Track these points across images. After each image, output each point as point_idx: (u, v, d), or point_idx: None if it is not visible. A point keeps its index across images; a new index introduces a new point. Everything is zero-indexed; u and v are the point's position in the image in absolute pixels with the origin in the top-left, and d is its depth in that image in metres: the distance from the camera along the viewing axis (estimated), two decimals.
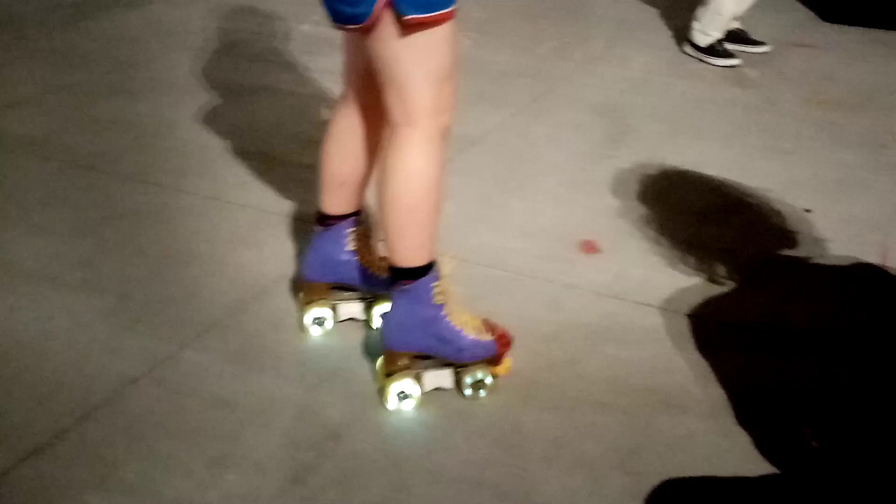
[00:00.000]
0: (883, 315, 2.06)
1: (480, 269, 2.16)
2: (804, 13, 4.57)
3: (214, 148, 2.84)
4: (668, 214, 2.46)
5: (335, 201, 1.86)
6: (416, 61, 1.54)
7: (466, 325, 1.73)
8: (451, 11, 1.51)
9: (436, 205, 1.64)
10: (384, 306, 1.86)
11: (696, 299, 2.07)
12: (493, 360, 1.76)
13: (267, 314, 2.01)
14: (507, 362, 1.81)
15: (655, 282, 2.14)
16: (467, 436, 1.65)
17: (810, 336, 1.96)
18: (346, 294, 1.94)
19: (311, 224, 1.94)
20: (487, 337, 1.76)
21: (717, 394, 1.76)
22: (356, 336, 1.93)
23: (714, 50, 3.74)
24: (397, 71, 1.55)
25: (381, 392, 1.73)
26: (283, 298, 2.06)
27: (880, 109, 3.30)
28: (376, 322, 1.93)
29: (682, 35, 3.97)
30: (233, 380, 1.79)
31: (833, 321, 2.01)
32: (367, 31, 1.51)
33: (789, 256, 2.29)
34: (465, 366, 1.75)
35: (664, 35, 4.16)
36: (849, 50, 3.98)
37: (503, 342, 1.78)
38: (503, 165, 2.76)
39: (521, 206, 2.51)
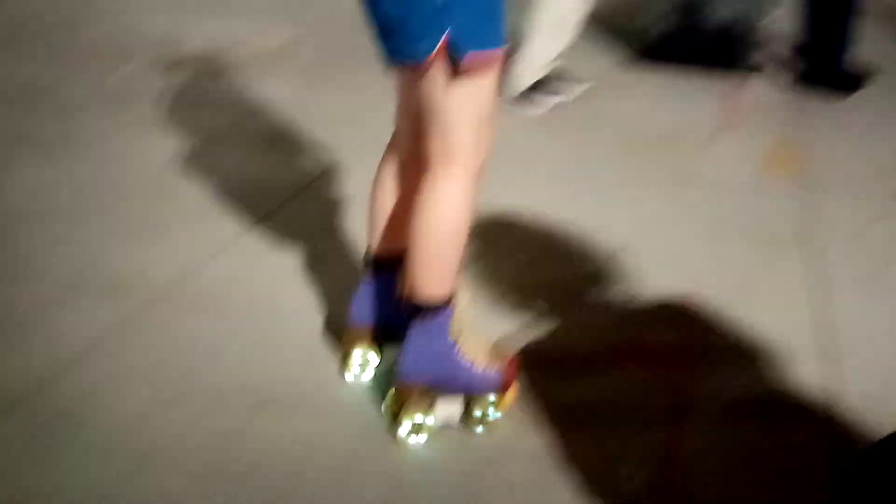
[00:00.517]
0: (691, 339, 2.21)
1: None
2: (618, 55, 4.83)
3: None
4: (489, 260, 2.52)
5: (384, 244, 1.91)
6: (463, 102, 1.64)
7: (477, 357, 1.81)
8: (500, 52, 1.63)
9: (463, 241, 1.75)
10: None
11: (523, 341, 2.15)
12: (501, 389, 1.84)
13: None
14: (514, 391, 1.88)
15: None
16: None
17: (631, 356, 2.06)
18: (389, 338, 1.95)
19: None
20: (494, 367, 1.84)
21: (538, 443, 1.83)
22: None
23: (532, 92, 3.89)
24: (444, 110, 1.64)
25: (392, 424, 1.80)
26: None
27: (688, 149, 3.52)
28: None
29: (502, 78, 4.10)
30: None
31: (649, 348, 2.14)
32: (424, 70, 1.60)
33: (596, 293, 2.41)
34: (473, 398, 1.81)
35: None
36: (657, 90, 4.24)
37: (510, 371, 1.88)
38: (334, 211, 2.77)
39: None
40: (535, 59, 3.84)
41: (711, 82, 4.37)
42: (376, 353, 1.96)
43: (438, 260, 1.72)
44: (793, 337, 2.22)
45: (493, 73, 1.64)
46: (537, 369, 2.04)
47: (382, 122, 3.35)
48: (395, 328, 1.88)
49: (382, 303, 1.93)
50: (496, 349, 1.88)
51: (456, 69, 1.58)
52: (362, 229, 2.62)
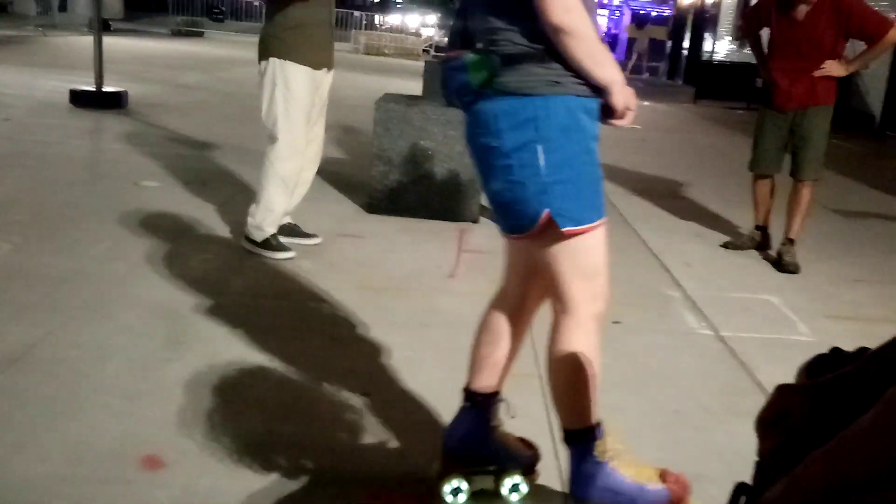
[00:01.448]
0: None
1: None
2: (350, 206, 5.01)
3: None
4: (238, 415, 2.42)
5: (483, 380, 2.15)
6: (570, 262, 1.91)
7: (637, 476, 1.99)
8: (600, 222, 1.90)
9: (590, 379, 1.96)
10: (514, 478, 2.03)
11: (268, 503, 2.04)
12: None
13: None
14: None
15: (225, 490, 2.07)
16: None
17: None
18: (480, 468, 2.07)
19: None
20: (659, 485, 2.01)
21: None
22: None
23: (269, 244, 3.90)
24: (555, 270, 1.93)
25: None
26: None
27: (420, 291, 3.67)
28: (504, 492, 2.03)
29: (239, 230, 4.09)
30: None
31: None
32: (531, 238, 1.90)
33: (348, 444, 2.37)
34: None
35: (222, 231, 4.25)
36: (390, 238, 4.42)
37: (680, 486, 2.03)
38: (52, 383, 2.53)
39: (73, 428, 2.30)
40: (277, 208, 3.88)
41: (438, 230, 4.65)
42: (467, 481, 2.04)
43: (569, 396, 2.00)
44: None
45: (596, 236, 1.90)
46: None
47: (108, 278, 3.19)
48: (486, 456, 2.11)
49: (476, 433, 2.14)
50: (659, 469, 2.04)
51: (559, 237, 1.87)
52: (91, 406, 2.46)
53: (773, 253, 4.72)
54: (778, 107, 4.61)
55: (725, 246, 4.88)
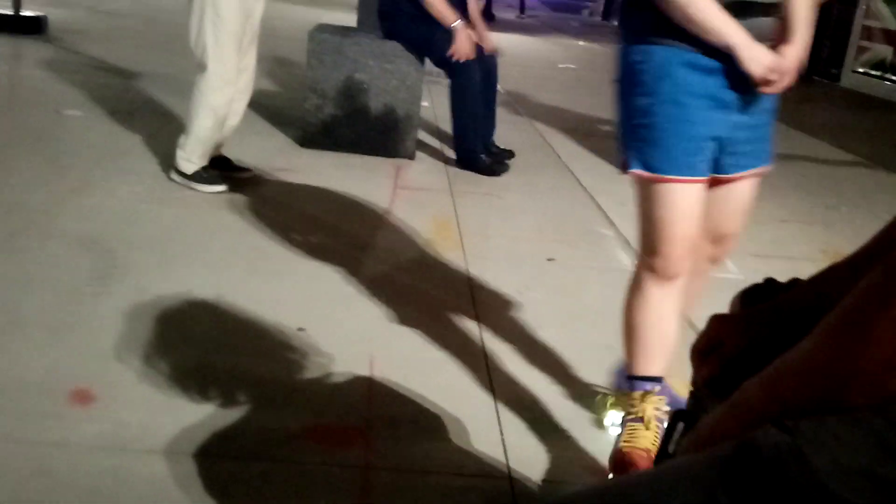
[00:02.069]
0: (372, 414, 2.22)
1: None
2: (283, 139, 4.90)
3: None
4: (168, 348, 2.38)
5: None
6: (640, 207, 2.01)
7: (627, 446, 2.04)
8: (677, 178, 1.90)
9: (633, 331, 2.07)
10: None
11: (202, 435, 2.01)
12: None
13: None
14: None
15: (158, 424, 2.04)
16: None
17: (311, 437, 2.03)
18: None
19: None
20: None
21: None
22: None
23: (200, 176, 3.80)
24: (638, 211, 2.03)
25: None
26: None
27: (355, 227, 3.64)
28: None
29: (167, 162, 3.98)
30: None
31: (331, 428, 2.11)
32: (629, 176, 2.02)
33: (282, 377, 2.36)
34: None
35: (150, 162, 4.13)
36: (324, 173, 4.35)
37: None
38: None
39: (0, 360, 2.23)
40: (206, 139, 3.78)
41: (373, 165, 4.60)
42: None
43: (623, 338, 2.12)
44: (470, 402, 2.34)
45: (662, 190, 1.92)
46: (215, 456, 1.93)
47: (30, 208, 3.05)
48: None
49: None
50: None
51: (635, 181, 1.98)
52: (14, 339, 2.37)
53: None
54: None
55: None
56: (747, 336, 1.06)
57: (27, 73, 6.20)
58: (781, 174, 5.74)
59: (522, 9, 23.43)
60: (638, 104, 1.94)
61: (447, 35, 4.55)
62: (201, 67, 3.70)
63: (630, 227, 4.02)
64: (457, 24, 4.54)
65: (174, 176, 3.84)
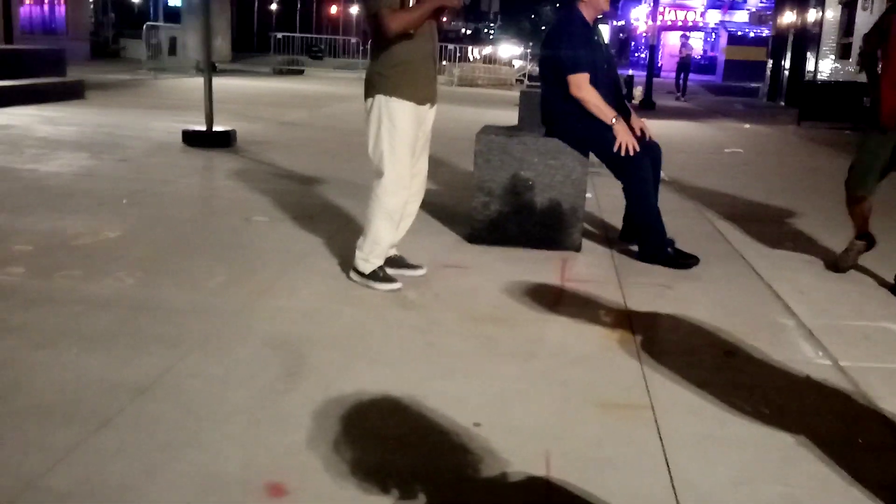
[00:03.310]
0: None
1: None
2: (452, 237, 5.06)
3: None
4: (353, 444, 2.48)
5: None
6: None
7: None
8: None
9: None
10: None
11: None
12: None
13: None
14: None
15: None
16: None
17: None
18: None
19: None
20: None
21: None
22: None
23: (377, 276, 3.98)
24: None
25: None
26: None
27: (525, 321, 3.68)
28: None
29: (346, 262, 4.19)
30: None
31: None
32: None
33: (460, 474, 2.39)
34: None
35: (330, 263, 4.37)
36: (493, 268, 4.45)
37: None
38: (178, 412, 2.64)
39: (201, 456, 2.39)
40: (383, 241, 3.97)
41: (540, 259, 4.65)
42: None
43: None
44: (645, 498, 2.29)
45: None
46: None
47: (225, 310, 3.31)
48: None
49: None
50: None
51: None
52: (216, 434, 2.55)
53: (890, 279, 4.54)
54: (884, 125, 4.50)
55: (834, 266, 4.74)
56: None
57: (219, 183, 6.75)
58: None
59: (681, 91, 23.32)
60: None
61: (609, 132, 4.62)
62: (378, 173, 3.91)
63: (812, 317, 3.86)
64: (613, 119, 4.62)
65: (353, 276, 4.04)
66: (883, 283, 4.57)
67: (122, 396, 2.71)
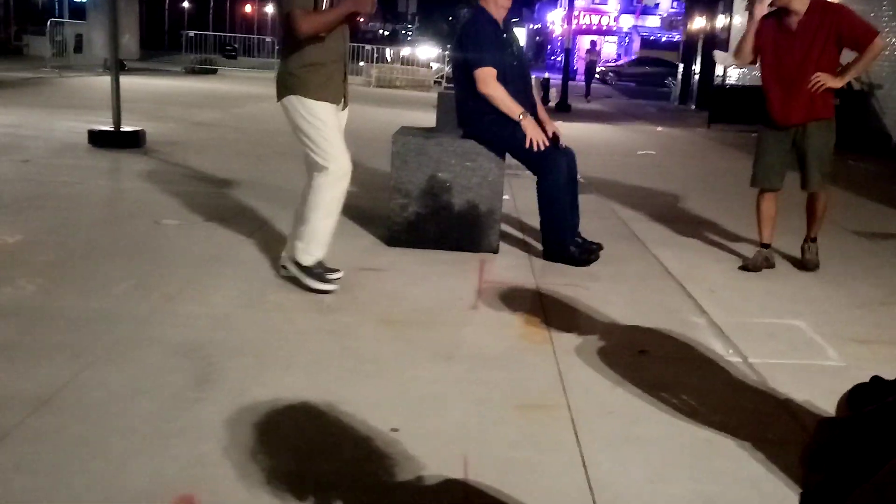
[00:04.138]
0: None
1: None
2: (369, 239, 5.02)
3: None
4: (267, 453, 2.41)
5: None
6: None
7: None
8: None
9: None
10: None
11: None
12: None
13: None
14: None
15: None
16: None
17: None
18: None
19: None
20: None
21: None
22: None
23: (314, 271, 3.90)
24: None
25: None
26: None
27: (443, 323, 3.66)
28: None
29: (260, 266, 4.10)
30: None
31: None
32: None
33: (379, 480, 2.35)
34: None
35: (242, 267, 4.27)
36: (411, 271, 4.42)
37: None
38: (81, 425, 2.53)
39: (104, 469, 2.29)
40: (319, 234, 3.90)
41: (458, 261, 4.65)
42: None
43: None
44: (563, 499, 2.29)
45: None
46: None
47: (132, 317, 3.19)
48: None
49: None
50: None
51: None
52: (122, 446, 2.45)
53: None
54: (778, 125, 4.70)
55: (744, 268, 4.88)
56: (857, 439, 1.02)
57: (127, 185, 6.54)
58: (877, 254, 5.58)
59: (588, 93, 23.91)
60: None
61: (518, 129, 4.65)
62: (317, 168, 3.84)
63: (723, 315, 3.95)
64: (521, 115, 4.66)
65: (290, 267, 3.94)
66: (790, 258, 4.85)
67: (21, 409, 2.58)
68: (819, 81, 4.54)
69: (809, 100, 4.61)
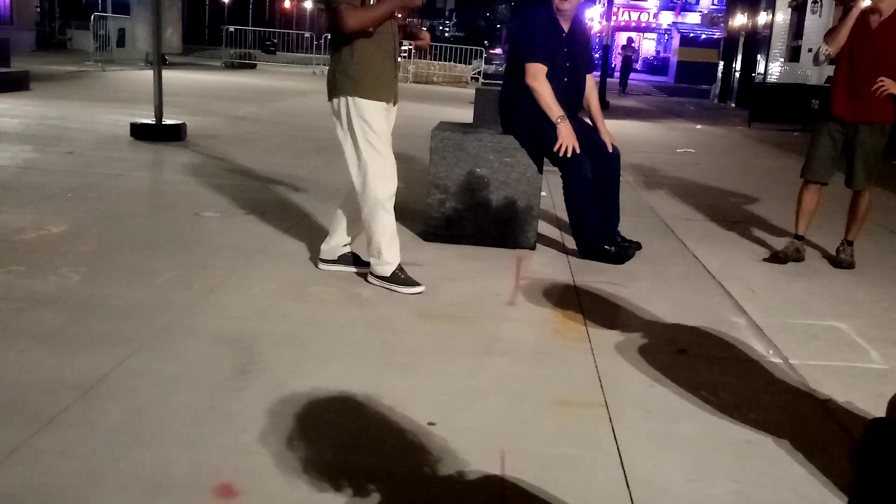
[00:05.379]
0: None
1: None
2: (407, 234, 5.03)
3: None
4: (308, 443, 2.44)
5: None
6: None
7: None
8: None
9: None
10: None
11: None
12: None
13: None
14: None
15: None
16: None
17: None
18: None
19: None
20: None
21: None
22: None
23: (398, 278, 3.90)
24: None
25: None
26: None
27: (480, 319, 3.66)
28: None
29: (299, 258, 4.13)
30: None
31: None
32: None
33: (415, 474, 2.36)
34: None
35: (282, 259, 4.31)
36: (448, 266, 4.43)
37: None
38: (124, 412, 2.57)
39: (147, 457, 2.33)
40: (387, 240, 3.90)
41: (495, 257, 4.64)
42: None
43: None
44: (604, 501, 2.28)
45: None
46: None
47: (174, 307, 3.24)
48: None
49: None
50: None
51: None
52: (163, 434, 2.49)
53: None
54: (837, 117, 4.73)
55: (773, 257, 4.93)
56: None
57: (168, 178, 6.62)
58: None
59: (623, 88, 23.81)
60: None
61: (552, 130, 4.63)
62: (363, 172, 3.83)
63: (763, 315, 3.90)
64: (559, 118, 4.62)
65: (373, 280, 3.95)
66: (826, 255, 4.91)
67: (67, 396, 2.63)
68: (883, 86, 4.54)
69: (870, 101, 4.61)
